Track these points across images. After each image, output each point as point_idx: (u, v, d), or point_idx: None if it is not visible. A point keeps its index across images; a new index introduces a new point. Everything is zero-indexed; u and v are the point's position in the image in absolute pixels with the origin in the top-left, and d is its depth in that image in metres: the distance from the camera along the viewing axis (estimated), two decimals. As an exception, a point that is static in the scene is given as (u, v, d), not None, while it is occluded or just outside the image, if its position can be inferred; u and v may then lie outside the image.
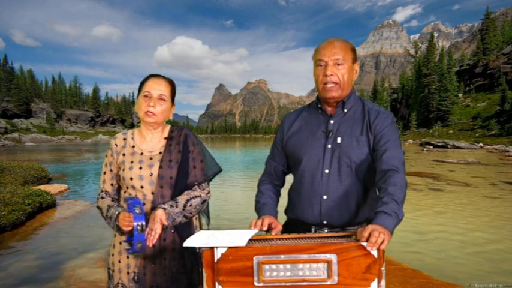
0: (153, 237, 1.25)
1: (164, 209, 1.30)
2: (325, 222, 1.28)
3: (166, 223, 1.29)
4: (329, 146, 1.29)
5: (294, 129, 1.41)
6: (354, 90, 1.37)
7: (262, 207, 1.34)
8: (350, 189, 1.27)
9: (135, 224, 1.21)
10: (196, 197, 1.40)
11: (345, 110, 1.33)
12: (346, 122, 1.31)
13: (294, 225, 1.37)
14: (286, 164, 1.47)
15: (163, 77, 1.45)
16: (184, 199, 1.37)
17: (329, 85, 1.26)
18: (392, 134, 1.25)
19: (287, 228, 1.40)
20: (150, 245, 1.25)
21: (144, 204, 1.36)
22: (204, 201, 1.44)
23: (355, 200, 1.28)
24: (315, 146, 1.32)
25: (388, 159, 1.17)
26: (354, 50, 1.31)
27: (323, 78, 1.27)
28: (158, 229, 1.26)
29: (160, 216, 1.28)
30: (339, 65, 1.25)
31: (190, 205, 1.37)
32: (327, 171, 1.28)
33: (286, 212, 1.45)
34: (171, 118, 1.52)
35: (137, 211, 1.23)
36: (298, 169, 1.35)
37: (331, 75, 1.25)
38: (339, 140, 1.29)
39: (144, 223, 1.22)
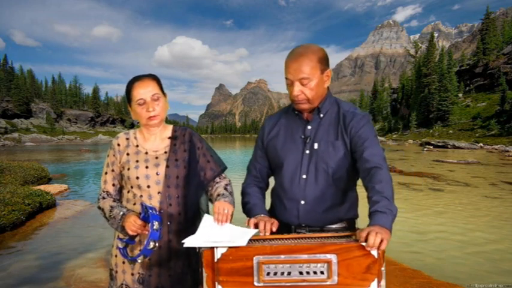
0: (226, 216, 1.23)
1: (226, 201, 1.29)
2: (303, 224, 1.32)
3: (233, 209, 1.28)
4: (307, 151, 1.32)
5: (273, 134, 1.43)
6: (330, 93, 1.37)
7: (253, 207, 1.34)
8: (327, 193, 1.29)
9: (150, 239, 1.18)
10: (227, 184, 1.45)
11: (321, 115, 1.34)
12: (323, 127, 1.33)
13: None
14: (269, 165, 1.48)
15: (146, 77, 1.41)
16: (224, 189, 1.40)
17: (297, 101, 1.28)
18: (368, 133, 1.26)
19: None
20: (222, 223, 1.22)
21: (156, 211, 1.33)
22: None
23: (332, 203, 1.30)
24: (293, 151, 1.34)
25: (369, 158, 1.19)
26: (323, 59, 1.27)
27: (291, 96, 1.29)
28: (230, 210, 1.25)
29: (227, 207, 1.25)
30: (305, 84, 1.25)
31: (231, 192, 1.41)
32: (304, 176, 1.30)
33: (269, 212, 1.47)
34: (169, 108, 1.51)
35: (155, 227, 1.19)
36: (278, 174, 1.39)
37: (298, 95, 1.26)
38: (316, 145, 1.31)
39: (157, 241, 1.20)
